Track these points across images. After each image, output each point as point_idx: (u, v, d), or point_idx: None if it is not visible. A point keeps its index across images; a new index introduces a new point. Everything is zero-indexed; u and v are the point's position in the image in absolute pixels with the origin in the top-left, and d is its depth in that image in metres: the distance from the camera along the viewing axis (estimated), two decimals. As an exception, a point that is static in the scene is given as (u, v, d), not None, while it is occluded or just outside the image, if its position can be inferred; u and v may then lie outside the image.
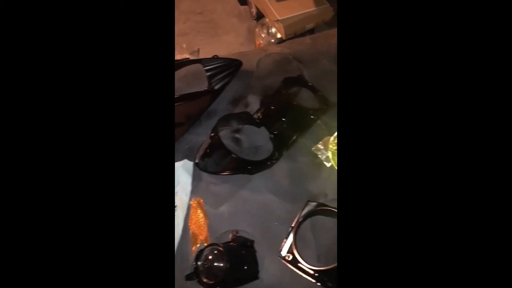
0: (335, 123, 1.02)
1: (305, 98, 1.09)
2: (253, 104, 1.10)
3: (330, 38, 1.24)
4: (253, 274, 0.84)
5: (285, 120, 1.00)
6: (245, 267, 0.82)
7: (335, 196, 0.94)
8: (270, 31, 2.06)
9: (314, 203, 0.86)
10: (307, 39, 1.27)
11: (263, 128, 1.02)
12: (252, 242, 0.88)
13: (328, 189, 0.96)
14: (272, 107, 0.99)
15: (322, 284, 0.74)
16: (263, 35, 2.03)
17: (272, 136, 1.00)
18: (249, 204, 0.95)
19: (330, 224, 0.89)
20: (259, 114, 1.03)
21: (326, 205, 0.85)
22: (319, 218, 0.90)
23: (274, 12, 1.91)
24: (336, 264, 0.73)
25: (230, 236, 0.87)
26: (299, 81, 1.04)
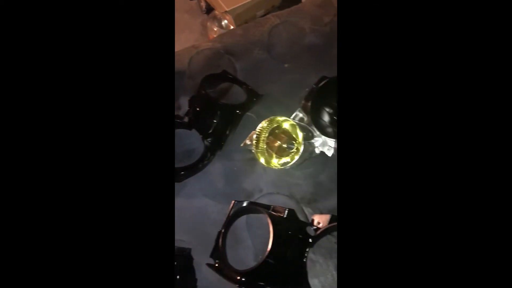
0: (266, 113, 0.99)
1: (238, 92, 1.06)
2: (185, 106, 1.07)
3: (261, 26, 1.20)
4: (190, 284, 0.82)
5: (215, 120, 0.96)
6: (178, 277, 0.80)
7: (270, 190, 0.92)
8: (222, 23, 2.01)
9: (243, 203, 0.83)
10: (238, 30, 1.22)
11: (194, 130, 0.98)
12: (188, 250, 0.86)
13: (262, 184, 0.93)
14: (198, 108, 0.96)
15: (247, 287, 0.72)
16: (215, 29, 1.98)
17: (203, 137, 0.96)
18: (185, 211, 0.93)
19: (265, 221, 0.86)
20: (190, 116, 1.00)
21: (256, 204, 0.82)
22: (253, 216, 0.87)
23: (222, 4, 1.86)
24: (259, 262, 0.70)
25: (165, 247, 0.85)
26: (222, 77, 1.00)
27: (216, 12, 1.98)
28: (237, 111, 0.96)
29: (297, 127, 0.82)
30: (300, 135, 0.82)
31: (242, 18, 1.89)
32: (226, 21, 1.99)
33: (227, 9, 1.84)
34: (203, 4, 2.05)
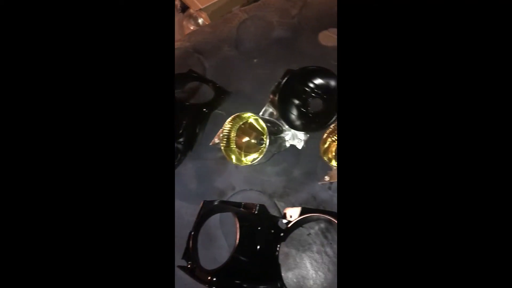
0: (236, 110, 0.98)
1: (207, 91, 1.05)
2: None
3: (229, 22, 1.19)
4: None
5: (184, 121, 0.96)
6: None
7: (243, 187, 0.91)
8: (198, 21, 1.99)
9: (213, 202, 0.82)
10: (207, 27, 1.21)
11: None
12: (164, 252, 0.86)
13: (235, 182, 0.93)
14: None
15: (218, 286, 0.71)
16: (191, 27, 1.97)
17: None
18: (159, 213, 0.92)
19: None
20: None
21: (226, 202, 0.82)
22: (227, 214, 0.87)
23: (196, 2, 1.85)
24: (227, 260, 0.70)
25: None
26: (187, 76, 1.00)
27: (191, 10, 1.97)
28: (204, 110, 0.95)
29: (260, 120, 0.81)
30: (265, 128, 0.81)
31: (217, 15, 1.88)
32: (202, 19, 1.97)
33: (201, 7, 1.82)
34: (177, 2, 2.04)
